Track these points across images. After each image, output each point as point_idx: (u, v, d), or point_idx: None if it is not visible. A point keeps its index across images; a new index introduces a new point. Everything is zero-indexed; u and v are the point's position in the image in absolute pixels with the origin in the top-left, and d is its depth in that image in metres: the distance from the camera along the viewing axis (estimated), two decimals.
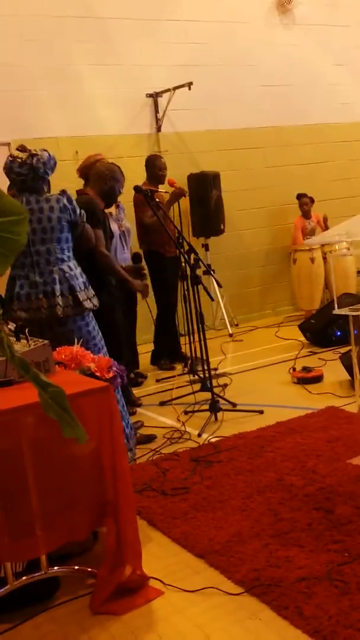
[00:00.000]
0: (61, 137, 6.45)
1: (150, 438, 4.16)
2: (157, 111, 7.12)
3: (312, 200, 7.57)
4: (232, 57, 7.47)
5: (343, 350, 5.35)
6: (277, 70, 7.79)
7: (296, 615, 2.28)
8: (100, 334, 3.75)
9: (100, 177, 4.32)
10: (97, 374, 2.77)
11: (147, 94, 7.06)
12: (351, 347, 3.79)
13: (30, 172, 3.53)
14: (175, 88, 6.89)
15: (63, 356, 2.88)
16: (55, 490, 2.46)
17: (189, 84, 6.75)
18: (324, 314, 6.25)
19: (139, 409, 4.80)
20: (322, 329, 6.07)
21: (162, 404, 4.86)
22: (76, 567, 2.67)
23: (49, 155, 3.62)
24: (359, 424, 3.75)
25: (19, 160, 3.53)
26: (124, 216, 5.32)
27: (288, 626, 2.25)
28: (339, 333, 5.97)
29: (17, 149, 3.60)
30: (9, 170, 3.57)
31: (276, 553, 2.67)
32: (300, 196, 7.58)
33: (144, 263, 5.11)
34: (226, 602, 2.42)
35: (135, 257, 4.89)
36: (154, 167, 5.79)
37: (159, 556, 2.78)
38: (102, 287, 4.10)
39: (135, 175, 5.59)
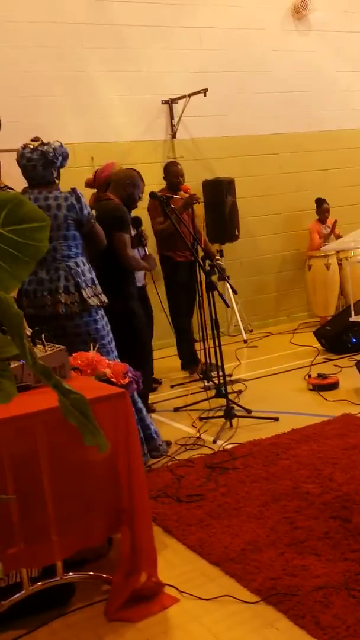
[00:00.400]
0: (77, 143, 6.48)
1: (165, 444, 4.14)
2: (172, 117, 7.14)
3: None
4: (248, 63, 7.48)
5: (359, 357, 5.31)
6: (293, 77, 7.79)
7: (313, 625, 2.26)
8: (110, 335, 3.73)
9: (120, 184, 4.36)
10: (113, 379, 2.77)
11: (162, 101, 7.09)
12: None
13: (41, 157, 3.54)
14: (190, 95, 6.91)
15: (79, 362, 2.89)
16: (71, 496, 2.45)
17: (205, 91, 6.77)
18: (340, 320, 6.22)
19: (153, 415, 4.79)
20: (337, 336, 6.04)
21: (177, 410, 4.85)
22: (91, 573, 2.66)
23: (61, 144, 3.64)
24: None
25: (30, 147, 3.57)
26: None
27: (305, 635, 2.22)
28: (354, 340, 5.93)
29: (31, 140, 3.64)
30: (20, 156, 3.60)
31: (292, 562, 2.65)
32: (321, 201, 7.55)
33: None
34: (242, 611, 2.40)
35: (135, 221, 4.77)
36: (171, 175, 5.82)
37: (174, 563, 2.77)
38: (129, 294, 4.12)
39: (149, 181, 5.59)
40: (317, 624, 2.26)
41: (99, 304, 3.64)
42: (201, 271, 4.73)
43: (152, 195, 4.71)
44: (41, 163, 3.56)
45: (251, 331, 7.38)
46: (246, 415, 4.48)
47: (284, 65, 7.72)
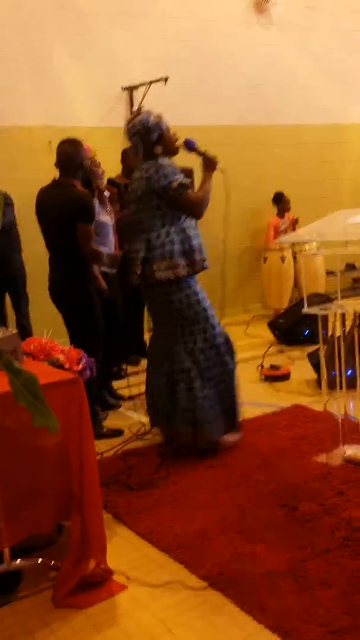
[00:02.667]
0: (34, 126, 6.37)
1: (117, 432, 4.14)
2: (132, 104, 7.07)
3: None
4: (209, 54, 7.46)
5: (311, 349, 5.40)
6: (254, 70, 7.81)
7: (259, 610, 2.30)
8: (194, 309, 3.72)
9: (70, 164, 4.01)
10: (67, 366, 2.74)
11: (122, 87, 7.01)
12: (319, 346, 3.83)
13: (131, 131, 3.65)
14: (151, 82, 6.86)
15: (32, 347, 2.85)
16: (20, 483, 2.43)
17: (165, 79, 6.72)
18: (293, 312, 6.30)
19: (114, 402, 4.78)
20: (290, 328, 6.13)
21: (130, 398, 4.84)
22: (39, 560, 2.64)
23: (149, 115, 3.66)
24: (325, 422, 3.79)
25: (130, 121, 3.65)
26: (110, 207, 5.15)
27: (251, 621, 2.26)
28: (307, 332, 6.03)
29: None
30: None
31: (241, 549, 2.69)
32: (280, 196, 7.62)
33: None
34: (190, 597, 2.43)
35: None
36: (129, 161, 5.75)
37: (124, 550, 2.78)
38: (89, 279, 4.06)
39: (108, 168, 5.53)
40: (262, 609, 2.30)
41: (171, 277, 3.59)
42: None
43: (111, 182, 4.63)
44: (132, 136, 3.64)
45: None
46: None
47: (245, 57, 7.73)
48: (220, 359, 3.73)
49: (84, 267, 4.02)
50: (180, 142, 3.77)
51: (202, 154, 3.83)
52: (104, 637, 2.24)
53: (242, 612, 2.31)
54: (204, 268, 3.79)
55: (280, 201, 7.61)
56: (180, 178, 3.64)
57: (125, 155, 5.80)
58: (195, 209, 3.70)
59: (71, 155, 3.99)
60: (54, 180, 4.03)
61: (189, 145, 3.81)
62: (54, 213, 3.93)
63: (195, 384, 3.64)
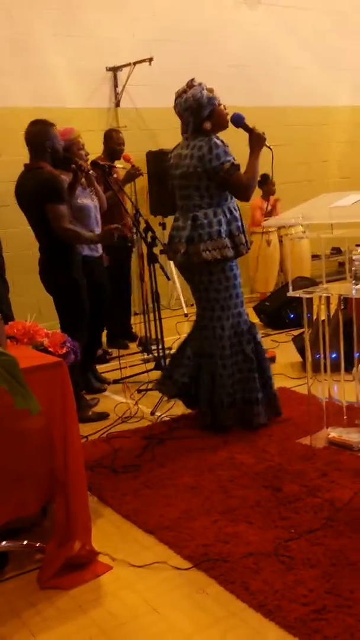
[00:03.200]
0: (19, 107, 6.28)
1: (102, 416, 4.14)
2: (116, 85, 7.00)
3: None
4: (195, 34, 7.38)
5: (296, 332, 5.42)
6: (241, 50, 7.75)
7: (242, 590, 2.33)
8: (230, 292, 3.70)
9: (37, 146, 3.92)
10: (50, 349, 2.73)
11: (107, 68, 6.93)
12: (304, 330, 3.83)
13: (181, 104, 3.63)
14: (135, 63, 6.78)
15: (15, 330, 2.83)
16: (5, 465, 2.43)
17: (150, 60, 6.66)
18: (279, 296, 6.32)
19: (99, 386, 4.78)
20: (276, 311, 6.14)
21: (116, 382, 4.84)
22: (25, 542, 2.65)
23: (202, 89, 3.62)
24: (309, 405, 3.81)
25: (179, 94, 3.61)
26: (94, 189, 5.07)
27: (234, 600, 2.29)
28: (292, 316, 6.05)
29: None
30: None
31: (225, 529, 2.71)
32: (266, 177, 7.59)
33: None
34: (175, 577, 2.45)
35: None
36: (112, 142, 5.71)
37: (109, 532, 2.79)
38: (72, 265, 4.02)
39: (93, 149, 5.47)
40: (246, 589, 2.33)
41: (218, 257, 3.56)
42: (143, 243, 4.70)
43: (94, 164, 4.57)
44: (183, 110, 3.58)
45: (192, 305, 7.40)
46: None
47: (232, 37, 7.66)
48: (241, 347, 3.72)
49: (67, 251, 3.99)
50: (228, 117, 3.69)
51: (250, 130, 3.74)
52: (89, 617, 2.26)
53: (226, 591, 2.34)
54: (247, 251, 3.77)
55: (265, 183, 7.59)
56: (231, 159, 3.60)
57: (108, 137, 5.75)
58: (245, 190, 3.67)
59: (36, 135, 3.91)
60: (25, 165, 3.98)
61: (238, 121, 3.71)
62: (27, 198, 3.89)
63: (218, 370, 3.66)
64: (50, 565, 2.46)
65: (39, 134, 3.90)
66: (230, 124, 3.72)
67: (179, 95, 3.61)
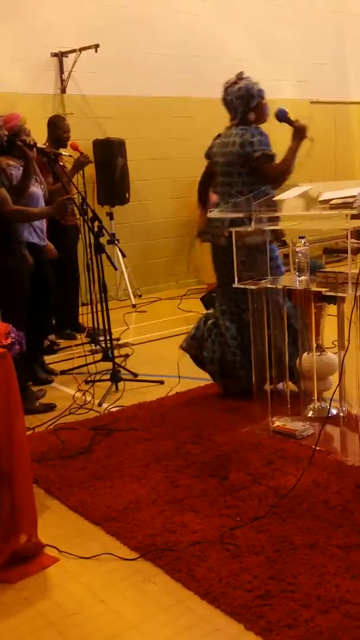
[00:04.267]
0: None
1: (49, 407, 4.10)
2: (62, 71, 6.90)
3: None
4: (140, 21, 7.33)
5: None
6: (184, 39, 7.73)
7: (189, 578, 2.35)
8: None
9: None
10: None
11: (52, 53, 6.81)
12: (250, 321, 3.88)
13: (227, 94, 3.78)
14: (81, 49, 6.70)
15: None
16: None
17: (96, 46, 6.60)
18: None
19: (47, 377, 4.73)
20: None
21: (63, 373, 4.80)
22: None
23: (247, 82, 3.77)
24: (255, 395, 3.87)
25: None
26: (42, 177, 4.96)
27: (181, 588, 2.31)
28: None
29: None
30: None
31: (172, 519, 2.73)
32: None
33: None
34: (121, 567, 2.45)
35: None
36: (58, 129, 5.62)
37: (55, 524, 2.77)
38: (10, 252, 3.94)
39: (38, 137, 5.36)
40: (192, 577, 2.36)
41: (259, 242, 3.58)
42: (90, 234, 4.65)
43: (40, 151, 4.46)
44: (235, 99, 3.75)
45: (140, 296, 7.41)
46: (132, 378, 4.51)
47: (175, 27, 7.64)
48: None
49: (5, 238, 3.91)
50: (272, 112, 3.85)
51: (293, 124, 3.86)
52: (35, 609, 2.24)
53: (172, 580, 2.36)
54: (283, 235, 3.86)
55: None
56: (266, 149, 3.74)
57: (53, 124, 5.66)
58: (272, 180, 3.77)
59: None
60: None
61: (281, 115, 3.84)
62: None
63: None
64: None
65: None
66: (273, 118, 3.89)
67: (230, 85, 3.79)
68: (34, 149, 4.24)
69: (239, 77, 3.78)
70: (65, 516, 2.84)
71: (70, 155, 5.30)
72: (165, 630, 2.11)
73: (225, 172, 3.83)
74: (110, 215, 6.97)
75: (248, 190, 3.72)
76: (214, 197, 7.50)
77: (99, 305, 5.06)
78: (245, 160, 3.72)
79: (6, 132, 4.01)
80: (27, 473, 2.50)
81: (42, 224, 4.59)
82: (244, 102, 3.74)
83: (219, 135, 4.00)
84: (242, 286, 3.50)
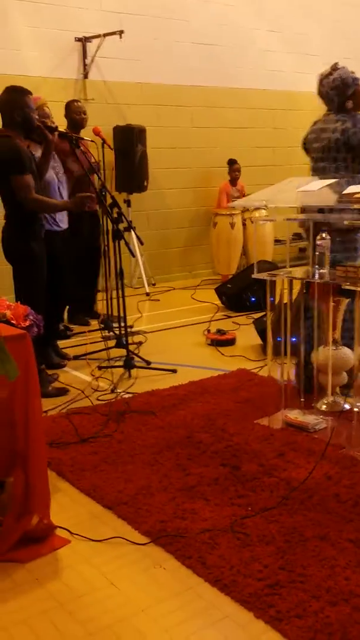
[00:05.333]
0: None
1: (62, 391, 4.12)
2: (85, 57, 6.87)
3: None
4: (166, 9, 7.29)
5: (256, 315, 5.48)
6: (210, 29, 7.68)
7: (199, 565, 2.36)
8: None
9: (6, 115, 3.85)
10: (14, 321, 2.69)
11: (76, 38, 6.79)
12: (265, 313, 3.87)
13: (324, 83, 3.76)
14: (105, 35, 6.67)
15: None
16: None
17: (120, 32, 6.56)
18: (241, 279, 6.36)
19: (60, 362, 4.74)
20: (237, 294, 6.18)
21: (77, 358, 4.81)
22: None
23: (342, 72, 3.73)
24: (269, 387, 3.87)
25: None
26: (59, 162, 4.95)
27: (191, 575, 2.32)
28: (253, 299, 6.10)
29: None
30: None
31: (183, 506, 2.74)
32: (232, 162, 7.59)
33: None
34: (132, 552, 2.47)
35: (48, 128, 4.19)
36: (71, 112, 5.65)
37: (67, 506, 2.79)
38: (34, 236, 3.95)
39: (60, 121, 5.38)
40: (203, 563, 2.37)
41: (357, 225, 3.54)
42: (108, 220, 4.64)
43: (63, 135, 4.44)
44: (330, 89, 3.75)
45: (154, 284, 7.40)
46: (145, 366, 4.52)
47: (201, 16, 7.59)
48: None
49: (28, 223, 3.92)
50: None
51: None
52: (46, 590, 2.26)
53: (183, 566, 2.37)
54: None
55: (231, 169, 7.59)
56: None
57: (66, 108, 5.67)
58: None
59: (6, 104, 3.83)
60: None
61: None
62: None
63: None
64: (7, 538, 2.45)
65: (8, 103, 3.83)
66: None
67: (325, 76, 3.81)
68: (55, 133, 4.23)
69: (334, 68, 3.80)
70: (77, 499, 2.86)
71: (92, 141, 5.29)
72: (175, 616, 2.13)
73: (322, 158, 3.84)
74: (128, 203, 6.96)
75: (347, 175, 3.71)
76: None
77: (113, 292, 5.06)
78: (347, 146, 3.71)
79: (37, 116, 4.00)
80: (42, 455, 2.51)
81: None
82: (339, 91, 3.76)
83: (314, 123, 4.00)
84: (261, 277, 3.48)
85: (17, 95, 3.84)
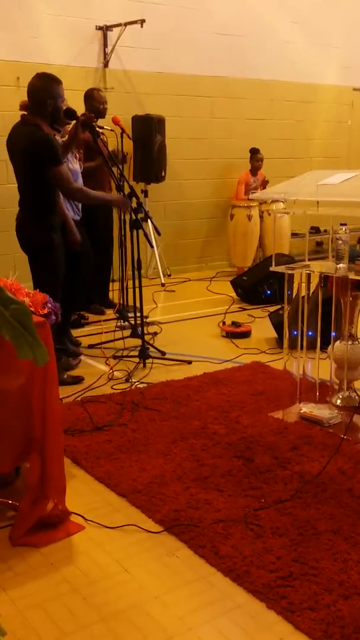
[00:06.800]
0: (2, 61, 6.12)
1: (77, 379, 4.14)
2: (105, 45, 6.85)
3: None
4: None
5: (272, 309, 5.47)
6: (231, 19, 7.62)
7: (212, 554, 2.38)
8: None
9: (37, 101, 3.79)
10: (32, 309, 2.70)
11: (97, 26, 6.77)
12: (282, 306, 3.87)
13: None
14: (126, 24, 6.64)
15: None
16: None
17: (142, 21, 6.53)
18: (257, 271, 6.35)
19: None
20: (253, 287, 6.18)
21: (91, 347, 4.83)
22: None
23: None
24: (283, 380, 3.86)
25: None
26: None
27: (204, 564, 2.34)
28: (269, 292, 6.09)
29: None
30: None
31: (196, 496, 2.76)
32: (255, 151, 7.54)
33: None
34: (145, 540, 2.49)
35: (68, 113, 4.12)
36: (93, 100, 5.62)
37: (82, 493, 2.81)
38: (54, 227, 3.96)
39: (79, 109, 5.38)
40: (216, 553, 2.38)
41: None
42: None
43: (85, 124, 4.41)
44: None
45: (169, 275, 7.41)
46: (160, 357, 4.53)
47: (223, 6, 7.54)
48: None
49: (48, 212, 3.93)
50: None
51: None
52: (61, 574, 2.29)
53: (195, 555, 2.39)
54: None
55: (253, 158, 7.55)
56: None
57: (89, 96, 5.66)
58: None
59: (39, 91, 3.76)
60: (22, 117, 3.86)
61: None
62: (20, 154, 3.79)
63: None
64: (23, 523, 2.48)
65: (43, 90, 3.76)
66: None
67: None
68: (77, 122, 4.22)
69: None
70: (91, 486, 2.88)
71: (111, 130, 5.28)
72: (187, 604, 2.14)
73: None
74: (145, 193, 6.95)
75: None
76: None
77: (130, 282, 5.07)
78: None
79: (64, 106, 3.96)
80: (59, 441, 2.53)
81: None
82: None
83: None
84: (280, 270, 3.47)
85: (53, 83, 3.79)
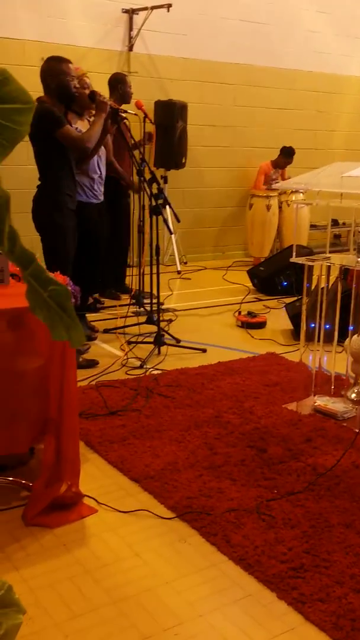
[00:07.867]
0: (28, 41, 6.09)
1: (92, 363, 4.15)
2: (131, 29, 6.80)
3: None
4: None
5: (288, 300, 5.45)
6: (257, 7, 7.55)
7: (224, 543, 2.38)
8: None
9: (44, 83, 3.91)
10: None
11: (123, 9, 6.72)
12: (299, 297, 3.85)
13: None
14: (153, 7, 6.59)
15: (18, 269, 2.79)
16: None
17: (168, 6, 6.48)
18: (274, 262, 6.32)
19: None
20: (269, 277, 6.15)
21: (107, 331, 4.84)
22: (10, 479, 2.68)
23: None
24: (298, 372, 3.85)
25: None
26: None
27: (215, 552, 2.35)
28: (285, 283, 6.06)
29: None
30: None
31: (209, 484, 2.76)
32: (290, 153, 7.43)
33: None
34: (157, 525, 2.50)
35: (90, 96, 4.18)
36: (124, 84, 5.57)
37: (95, 476, 2.83)
38: (56, 206, 3.95)
39: (104, 91, 5.35)
40: (227, 542, 2.39)
41: None
42: (145, 195, 4.63)
43: (112, 109, 4.37)
44: None
45: (185, 263, 7.39)
46: (175, 344, 4.53)
47: None
48: None
49: (54, 193, 3.94)
50: None
51: None
52: (73, 556, 2.31)
53: (207, 543, 2.39)
54: None
55: (285, 156, 7.46)
56: None
57: (119, 80, 5.61)
58: None
59: (44, 72, 3.92)
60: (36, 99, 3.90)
61: None
62: (30, 131, 3.81)
63: None
64: (37, 503, 2.49)
65: (45, 71, 3.91)
66: None
67: None
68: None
69: None
70: (105, 470, 2.89)
71: (135, 114, 5.25)
72: (199, 590, 2.15)
73: None
74: (165, 179, 6.92)
75: None
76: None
77: (146, 268, 5.06)
78: None
79: (77, 84, 4.01)
80: (74, 424, 2.54)
81: (90, 182, 4.58)
82: None
83: None
84: (300, 262, 3.45)
85: (54, 63, 3.93)
